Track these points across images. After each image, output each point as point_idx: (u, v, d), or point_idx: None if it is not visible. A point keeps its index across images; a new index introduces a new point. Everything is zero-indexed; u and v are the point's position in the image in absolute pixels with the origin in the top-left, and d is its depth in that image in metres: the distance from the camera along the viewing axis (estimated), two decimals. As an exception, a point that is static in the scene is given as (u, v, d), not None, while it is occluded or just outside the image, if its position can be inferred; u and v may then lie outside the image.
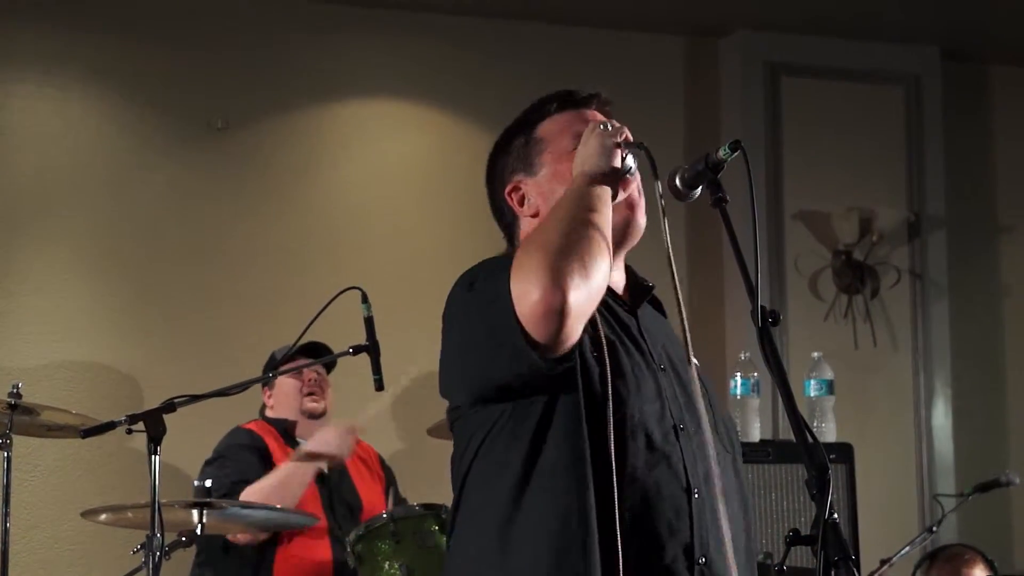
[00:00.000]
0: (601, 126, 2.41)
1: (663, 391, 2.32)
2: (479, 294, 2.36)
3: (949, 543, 5.46)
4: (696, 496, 2.26)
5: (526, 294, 2.17)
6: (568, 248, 2.19)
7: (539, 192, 2.50)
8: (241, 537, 4.54)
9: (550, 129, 2.52)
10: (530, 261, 2.19)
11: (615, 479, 2.20)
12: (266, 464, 4.71)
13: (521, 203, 2.55)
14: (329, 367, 4.98)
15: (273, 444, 4.81)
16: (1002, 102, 6.97)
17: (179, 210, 5.72)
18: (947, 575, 5.10)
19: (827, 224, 6.41)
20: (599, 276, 2.21)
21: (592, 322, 2.28)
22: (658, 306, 2.57)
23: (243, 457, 4.68)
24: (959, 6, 6.21)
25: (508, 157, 2.58)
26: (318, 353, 4.67)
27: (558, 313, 2.14)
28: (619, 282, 2.50)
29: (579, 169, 2.36)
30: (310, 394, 4.88)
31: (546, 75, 6.22)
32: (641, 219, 2.45)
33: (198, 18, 5.83)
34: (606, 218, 2.29)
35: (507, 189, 2.56)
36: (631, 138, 2.42)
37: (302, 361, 4.61)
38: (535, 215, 2.52)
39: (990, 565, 5.10)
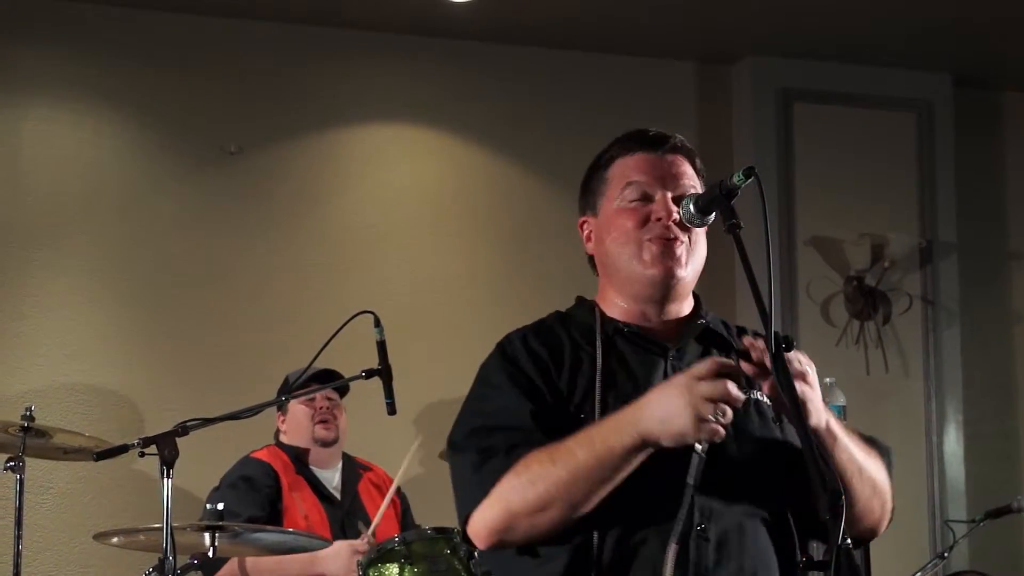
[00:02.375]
0: (700, 385, 2.10)
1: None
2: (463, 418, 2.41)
3: (961, 570, 5.45)
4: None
5: (472, 528, 2.30)
6: (531, 518, 2.23)
7: (596, 233, 2.50)
8: None
9: (618, 171, 2.46)
10: (489, 508, 2.26)
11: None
12: (272, 496, 4.70)
13: (588, 239, 2.54)
14: (342, 391, 4.98)
15: (283, 472, 4.81)
16: (1014, 129, 6.98)
17: (192, 234, 5.74)
18: None
19: (839, 250, 6.41)
20: (558, 527, 2.23)
21: (591, 380, 2.33)
22: (716, 340, 2.47)
23: (247, 497, 4.64)
24: (971, 33, 6.22)
25: (584, 190, 2.56)
26: (330, 380, 4.67)
27: (494, 545, 2.29)
28: (675, 316, 2.45)
29: (641, 418, 2.15)
30: (322, 421, 4.88)
31: (558, 101, 6.25)
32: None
33: (211, 44, 5.86)
34: (609, 478, 2.19)
35: (579, 222, 2.55)
36: (729, 416, 2.11)
37: (314, 387, 4.62)
38: (591, 255, 2.52)
39: None
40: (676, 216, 2.35)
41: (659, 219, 2.38)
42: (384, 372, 3.80)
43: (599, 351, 2.38)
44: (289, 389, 4.62)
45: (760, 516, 2.31)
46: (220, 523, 3.89)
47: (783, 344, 2.17)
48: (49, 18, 5.65)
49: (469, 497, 2.30)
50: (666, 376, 2.35)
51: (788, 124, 6.42)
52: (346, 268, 5.88)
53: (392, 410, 3.81)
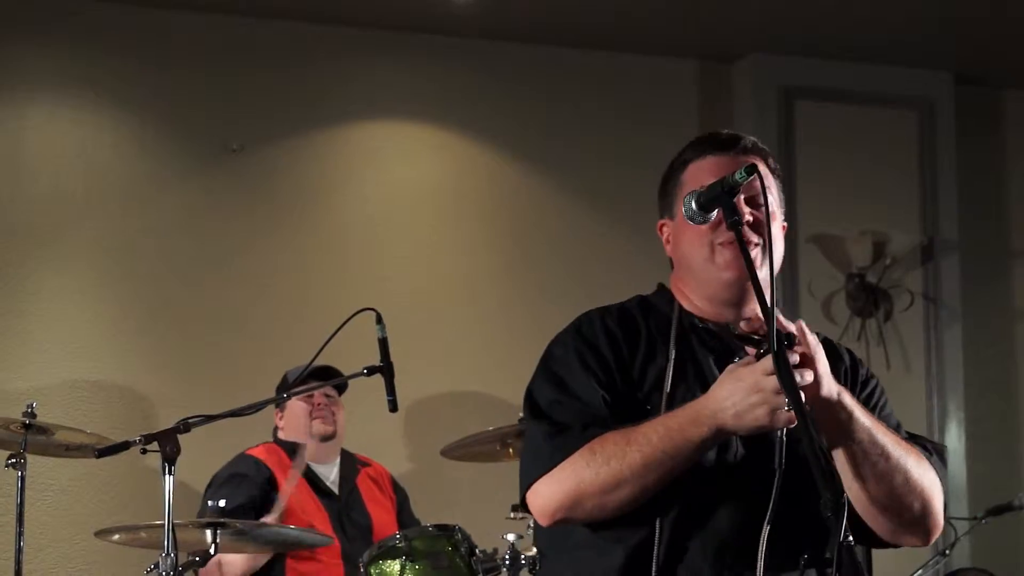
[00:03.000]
0: (770, 379, 2.17)
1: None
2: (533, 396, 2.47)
3: (965, 567, 5.46)
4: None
5: (539, 499, 2.37)
6: (601, 498, 2.31)
7: (673, 236, 2.54)
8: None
9: (692, 174, 2.49)
10: (558, 483, 2.33)
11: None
12: (265, 490, 4.70)
13: (667, 242, 2.57)
14: (341, 389, 4.99)
15: (278, 468, 4.82)
16: (1015, 126, 6.98)
17: (194, 231, 5.74)
18: None
19: (840, 247, 6.41)
20: (625, 508, 2.32)
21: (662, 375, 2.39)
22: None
23: (235, 491, 4.65)
24: (972, 31, 6.22)
25: (661, 193, 2.57)
26: (329, 377, 4.69)
27: (559, 521, 2.37)
28: (752, 316, 2.47)
29: (717, 411, 2.24)
30: (320, 416, 4.89)
31: (560, 99, 6.25)
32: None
33: (215, 41, 5.86)
34: (681, 466, 2.28)
35: (658, 225, 2.58)
36: (792, 419, 2.16)
37: (314, 383, 4.63)
38: (671, 257, 2.56)
39: None
40: (749, 218, 2.38)
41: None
42: (386, 369, 3.80)
43: (673, 345, 2.43)
44: (288, 386, 4.63)
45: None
46: (222, 520, 3.89)
47: (785, 342, 2.18)
48: (51, 15, 5.65)
49: (538, 464, 2.37)
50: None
51: (789, 122, 6.42)
52: (348, 265, 5.88)
53: (394, 407, 3.81)
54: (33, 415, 4.39)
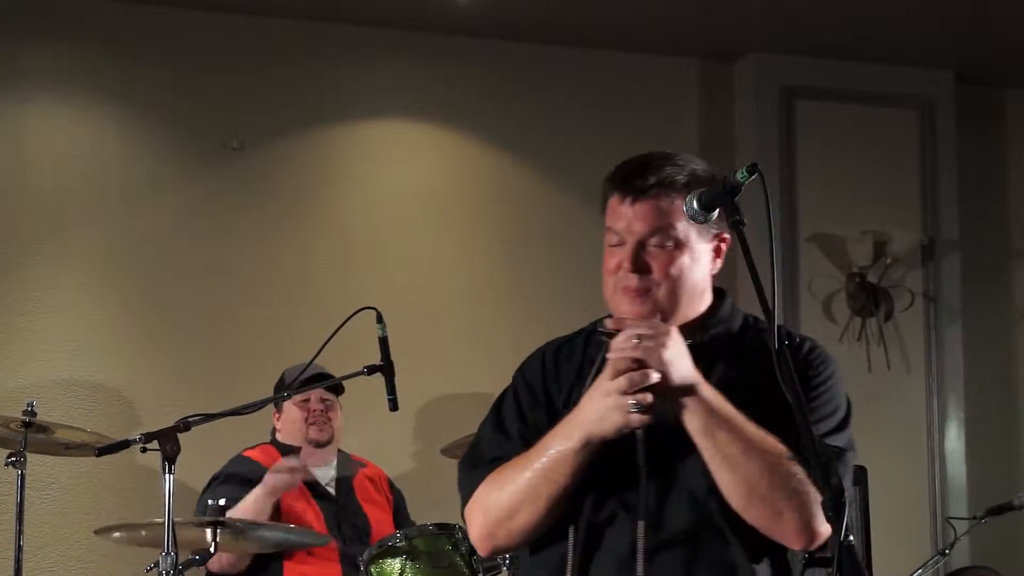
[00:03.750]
0: (612, 383, 2.29)
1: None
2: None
3: (969, 565, 5.47)
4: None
5: (470, 532, 2.49)
6: (506, 524, 2.41)
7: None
8: (223, 563, 4.53)
9: (608, 206, 2.49)
10: (473, 516, 2.47)
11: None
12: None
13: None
14: (339, 389, 4.97)
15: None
16: (1016, 126, 6.97)
17: (194, 230, 5.73)
18: None
19: (841, 247, 6.41)
20: (531, 529, 2.42)
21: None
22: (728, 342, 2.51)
23: (234, 493, 4.65)
24: (973, 30, 6.22)
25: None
26: (325, 379, 4.70)
27: (490, 552, 2.49)
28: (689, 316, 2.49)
29: (583, 421, 2.34)
30: (315, 423, 4.89)
31: (561, 98, 6.25)
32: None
33: (214, 40, 5.86)
34: (567, 481, 2.37)
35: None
36: (649, 400, 2.27)
37: (308, 387, 4.65)
38: None
39: None
40: (629, 271, 2.41)
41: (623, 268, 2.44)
42: (386, 368, 3.80)
43: (596, 369, 2.46)
44: (286, 387, 4.63)
45: (705, 487, 2.36)
46: (222, 519, 3.89)
47: (786, 340, 2.18)
48: (52, 13, 5.65)
49: (461, 498, 2.52)
50: None
51: (790, 121, 6.42)
52: (348, 264, 5.88)
53: (394, 406, 3.81)
54: (33, 413, 4.39)
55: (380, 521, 4.87)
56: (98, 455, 3.59)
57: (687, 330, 2.42)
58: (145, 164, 5.73)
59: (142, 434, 3.43)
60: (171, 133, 5.76)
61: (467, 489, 2.49)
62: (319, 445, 4.89)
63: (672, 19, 6.09)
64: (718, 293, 2.57)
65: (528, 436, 2.46)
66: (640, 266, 2.41)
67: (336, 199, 5.95)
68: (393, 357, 3.83)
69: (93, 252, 5.61)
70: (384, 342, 3.82)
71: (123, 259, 5.64)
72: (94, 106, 5.68)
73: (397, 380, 3.83)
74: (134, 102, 5.73)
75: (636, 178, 2.44)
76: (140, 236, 5.67)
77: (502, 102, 6.16)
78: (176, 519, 3.49)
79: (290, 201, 5.87)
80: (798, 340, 2.50)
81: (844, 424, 2.51)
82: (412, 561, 4.12)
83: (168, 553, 3.41)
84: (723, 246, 2.51)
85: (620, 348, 2.30)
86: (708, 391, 2.32)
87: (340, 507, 4.84)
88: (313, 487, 4.85)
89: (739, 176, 2.26)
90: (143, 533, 4.07)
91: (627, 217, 2.43)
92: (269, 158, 5.86)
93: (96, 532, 4.15)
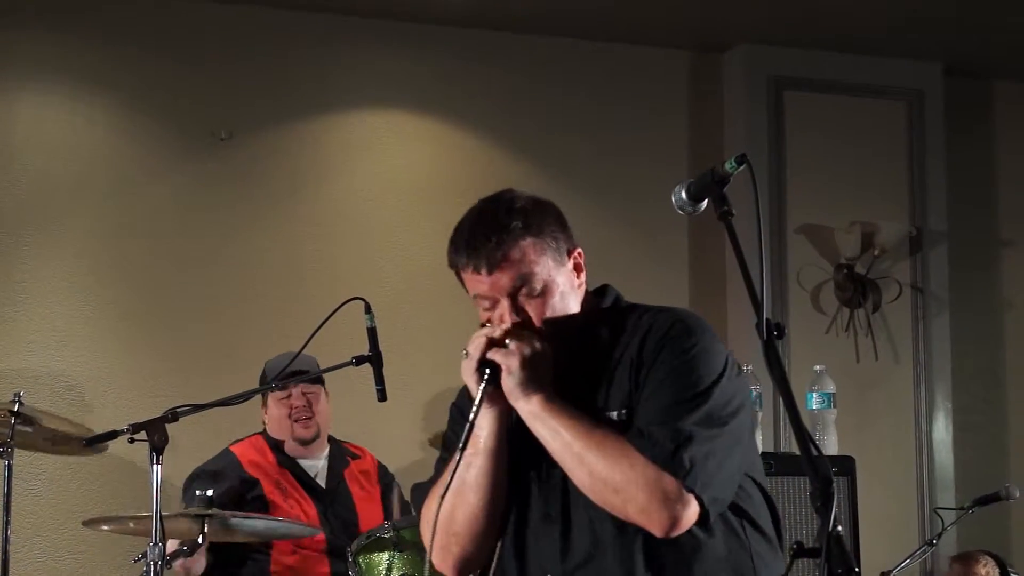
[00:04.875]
0: (463, 354, 2.51)
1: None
2: None
3: (972, 550, 5.51)
4: None
5: (430, 553, 2.54)
6: (449, 521, 2.51)
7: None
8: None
9: (462, 277, 2.64)
10: (425, 538, 2.53)
11: None
12: (246, 487, 4.70)
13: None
14: (319, 381, 4.95)
15: (262, 463, 4.81)
16: (1004, 117, 6.99)
17: (182, 220, 5.72)
18: (957, 571, 5.25)
19: (829, 238, 6.42)
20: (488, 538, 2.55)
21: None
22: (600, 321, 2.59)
23: (217, 487, 4.64)
24: (962, 22, 6.23)
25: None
26: (305, 374, 4.69)
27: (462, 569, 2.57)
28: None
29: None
30: (299, 419, 4.87)
31: (551, 89, 6.25)
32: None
33: (203, 29, 5.84)
34: (484, 461, 2.50)
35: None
36: (482, 356, 2.49)
37: (295, 380, 4.65)
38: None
39: (998, 559, 5.20)
40: (512, 318, 2.51)
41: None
42: (375, 359, 3.79)
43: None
44: (267, 381, 4.61)
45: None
46: (210, 511, 3.88)
47: (774, 332, 2.18)
48: (41, 3, 5.64)
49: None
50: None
51: (779, 112, 6.42)
52: (337, 255, 5.87)
53: (383, 397, 3.80)
54: (20, 403, 4.38)
55: (370, 515, 4.86)
56: (86, 445, 3.58)
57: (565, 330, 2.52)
58: (134, 154, 5.71)
59: (130, 424, 3.42)
60: (160, 123, 5.75)
61: (419, 504, 2.63)
62: (304, 443, 4.87)
63: (662, 10, 6.09)
64: (601, 290, 2.65)
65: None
66: (518, 314, 2.50)
67: (325, 189, 5.94)
68: (382, 347, 3.83)
69: (81, 242, 5.60)
70: (372, 332, 3.81)
71: (111, 249, 5.63)
72: (83, 96, 5.67)
73: (385, 370, 3.82)
74: (122, 92, 5.71)
75: (479, 245, 2.50)
76: (128, 226, 5.66)
77: (492, 93, 6.16)
78: (164, 512, 3.48)
79: (279, 191, 5.87)
80: (659, 319, 2.50)
81: (694, 401, 2.42)
82: (400, 552, 4.12)
83: (156, 544, 3.41)
84: (580, 260, 2.59)
85: (476, 340, 2.49)
86: (550, 401, 2.42)
87: (329, 499, 4.83)
88: (302, 480, 4.84)
89: (727, 167, 2.26)
90: (131, 524, 4.06)
91: (485, 283, 2.51)
92: (258, 148, 5.85)
93: (84, 523, 4.14)
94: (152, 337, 5.62)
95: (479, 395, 2.44)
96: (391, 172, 6.01)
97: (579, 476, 2.41)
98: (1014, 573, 5.28)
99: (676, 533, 2.36)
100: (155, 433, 3.40)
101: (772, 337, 2.17)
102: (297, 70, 5.92)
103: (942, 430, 6.47)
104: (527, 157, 6.17)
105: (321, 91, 5.95)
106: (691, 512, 2.34)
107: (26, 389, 4.56)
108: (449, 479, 2.43)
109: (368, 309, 3.78)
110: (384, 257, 5.93)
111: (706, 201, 2.33)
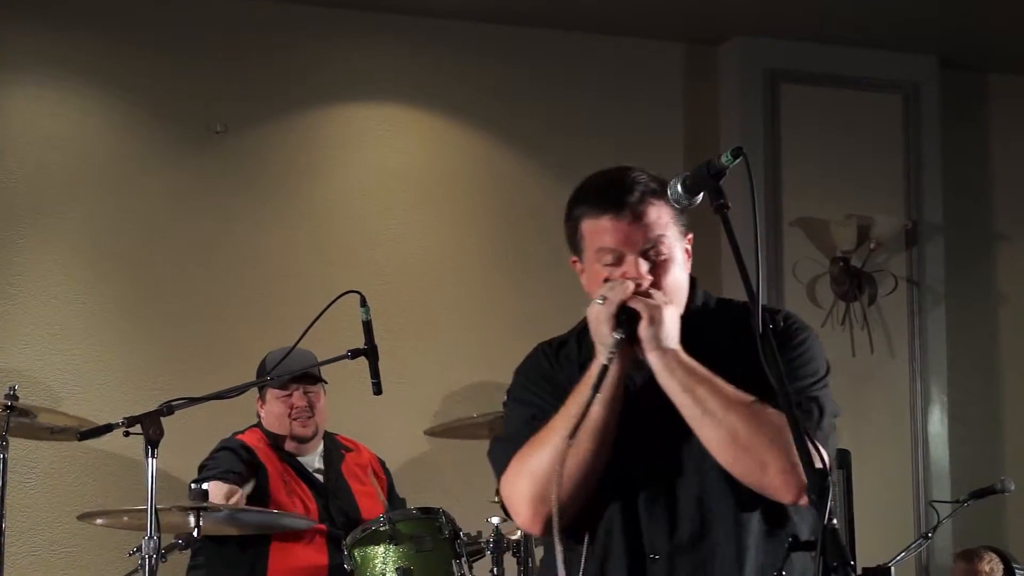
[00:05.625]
0: (598, 301, 2.44)
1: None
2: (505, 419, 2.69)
3: (978, 546, 5.54)
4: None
5: (515, 514, 2.54)
6: (546, 477, 2.41)
7: (584, 280, 2.60)
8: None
9: (587, 231, 2.53)
10: (517, 486, 2.50)
11: None
12: (254, 471, 4.70)
13: (582, 275, 2.62)
14: (321, 380, 4.95)
15: (265, 455, 4.81)
16: (999, 110, 6.98)
17: (177, 214, 5.72)
18: (961, 568, 5.25)
19: (825, 231, 6.42)
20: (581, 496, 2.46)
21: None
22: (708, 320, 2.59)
23: (229, 458, 4.67)
24: (957, 15, 6.22)
25: (566, 233, 2.60)
26: (308, 374, 4.69)
27: (544, 521, 2.45)
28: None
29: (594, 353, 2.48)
30: (298, 419, 4.87)
31: (546, 82, 6.24)
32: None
33: (198, 22, 5.83)
34: (600, 419, 2.43)
35: (571, 260, 2.64)
36: (620, 305, 2.42)
37: (292, 384, 4.70)
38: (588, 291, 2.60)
39: (1002, 556, 5.23)
40: (647, 275, 2.48)
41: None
42: (370, 352, 3.80)
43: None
44: (267, 373, 4.61)
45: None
46: (204, 504, 3.88)
47: (770, 324, 2.19)
48: (33, -4, 5.63)
49: (496, 472, 2.57)
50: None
51: (775, 105, 6.42)
52: (333, 248, 5.87)
53: (378, 390, 3.81)
54: (15, 397, 4.37)
55: (369, 507, 4.86)
56: (80, 439, 3.58)
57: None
58: (129, 147, 5.70)
59: (125, 418, 3.42)
60: (155, 116, 5.74)
61: (503, 458, 2.52)
62: (303, 440, 4.87)
63: (657, 3, 6.08)
64: (691, 283, 2.62)
65: (556, 404, 2.48)
66: (641, 276, 2.47)
67: (321, 182, 5.93)
68: (377, 341, 3.83)
69: (76, 235, 5.59)
70: (368, 326, 3.82)
71: (106, 243, 5.62)
72: (77, 89, 5.66)
73: (381, 364, 3.82)
74: (118, 85, 5.70)
75: (623, 194, 2.47)
76: (123, 219, 5.65)
77: (486, 86, 6.15)
78: (159, 504, 3.48)
79: (274, 184, 5.86)
80: (772, 313, 2.56)
81: (819, 381, 2.56)
82: (396, 545, 4.12)
83: (151, 537, 3.41)
84: (689, 246, 2.58)
85: (618, 287, 2.42)
86: (685, 356, 2.42)
87: (329, 492, 4.83)
88: (301, 472, 4.84)
89: (724, 160, 2.26)
90: (126, 518, 4.06)
91: (627, 231, 2.47)
92: (253, 141, 5.85)
93: (79, 517, 4.13)
94: (147, 330, 5.62)
95: (614, 340, 2.37)
96: (386, 165, 6.01)
97: (711, 434, 2.39)
98: (1019, 569, 5.28)
99: (804, 502, 2.35)
100: (150, 426, 3.40)
101: (767, 330, 2.17)
102: (292, 64, 5.91)
103: (937, 423, 6.47)
104: (522, 150, 6.16)
105: (316, 85, 5.94)
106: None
107: (21, 383, 4.55)
108: (577, 421, 2.36)
109: (364, 302, 3.78)
110: (379, 250, 5.92)
111: (702, 194, 2.33)
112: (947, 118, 6.66)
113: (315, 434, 4.90)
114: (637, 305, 2.41)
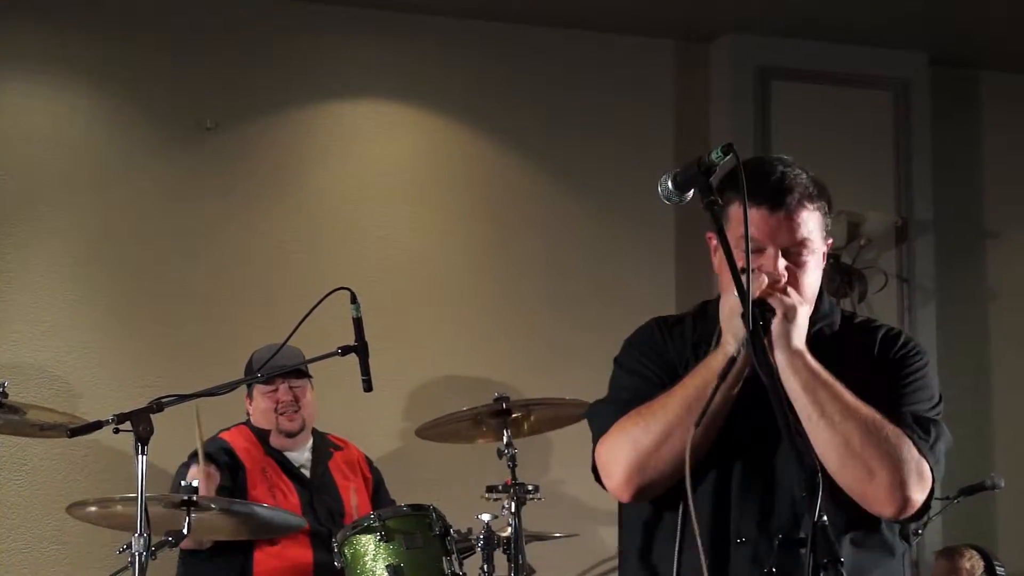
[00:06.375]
0: (737, 298, 2.37)
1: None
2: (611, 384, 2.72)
3: (958, 544, 5.54)
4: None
5: (606, 476, 2.57)
6: (658, 452, 2.47)
7: (716, 260, 2.59)
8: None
9: (736, 215, 2.48)
10: (616, 452, 2.53)
11: None
12: (232, 472, 4.70)
13: (714, 253, 2.61)
14: (306, 376, 4.95)
15: (251, 450, 4.81)
16: (989, 107, 6.99)
17: (167, 210, 5.71)
18: (942, 565, 5.26)
19: (815, 228, 6.41)
20: (673, 470, 2.47)
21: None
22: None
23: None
24: (947, 12, 6.23)
25: (710, 203, 2.50)
26: (295, 372, 4.70)
27: (632, 496, 2.54)
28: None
29: (724, 342, 2.50)
30: (284, 413, 4.87)
31: (537, 78, 6.24)
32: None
33: (188, 19, 5.82)
34: (716, 404, 2.43)
35: (707, 235, 2.63)
36: (761, 297, 2.44)
37: (278, 378, 4.71)
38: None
39: (983, 553, 5.23)
40: (783, 273, 2.52)
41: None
42: (360, 349, 3.79)
43: (714, 341, 2.55)
44: (255, 371, 4.60)
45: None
46: (194, 498, 3.88)
47: (760, 321, 2.19)
48: (23, -8, 5.62)
49: (596, 432, 2.61)
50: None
51: (765, 102, 6.42)
52: (323, 244, 5.86)
53: (368, 387, 3.81)
54: (5, 394, 4.36)
55: (355, 503, 4.86)
56: (70, 436, 3.57)
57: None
58: (118, 144, 5.69)
59: (114, 415, 3.41)
60: (145, 113, 5.73)
61: (606, 420, 2.55)
62: (289, 435, 4.88)
63: (648, 0, 6.08)
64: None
65: (665, 378, 2.55)
66: (779, 271, 2.50)
67: (311, 179, 5.92)
68: (368, 338, 3.82)
69: (65, 233, 5.58)
70: (358, 323, 3.81)
71: (95, 240, 5.61)
72: (67, 86, 5.65)
73: (372, 361, 3.82)
74: (107, 83, 5.69)
75: (784, 192, 2.51)
76: (113, 217, 5.64)
77: (477, 82, 6.15)
78: (148, 499, 3.48)
79: (265, 182, 5.85)
80: (893, 332, 2.64)
81: (935, 408, 2.59)
82: (386, 541, 4.12)
83: (141, 534, 3.40)
84: (827, 251, 2.63)
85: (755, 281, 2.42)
86: (811, 357, 2.45)
87: (315, 489, 4.83)
88: (288, 469, 4.84)
89: (714, 156, 2.27)
90: (118, 508, 4.05)
91: (776, 226, 2.51)
92: (244, 138, 5.84)
93: (69, 507, 4.12)
94: (137, 327, 5.61)
95: (752, 329, 2.30)
96: (377, 162, 6.00)
97: (825, 436, 2.40)
98: (999, 565, 5.29)
99: (905, 516, 2.43)
100: (140, 423, 3.40)
101: (758, 326, 2.18)
102: (283, 61, 5.91)
103: (927, 420, 6.47)
104: (512, 146, 6.16)
105: (307, 82, 5.94)
106: (919, 501, 2.43)
107: (10, 379, 4.54)
108: (704, 408, 2.37)
109: (354, 299, 3.78)
110: (370, 247, 5.92)
111: (692, 191, 2.34)
112: (937, 115, 6.67)
113: (302, 428, 4.90)
114: (774, 301, 2.44)
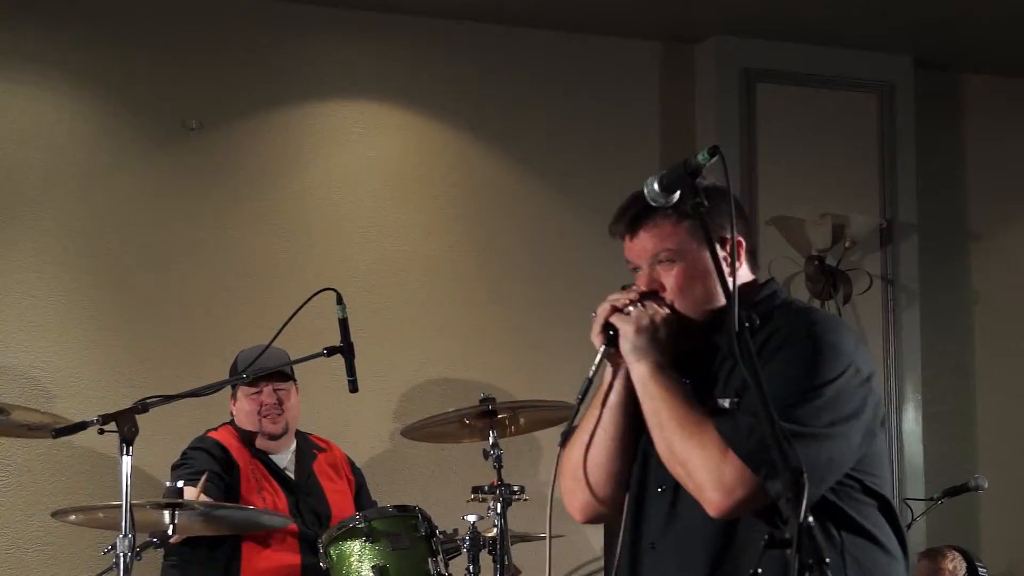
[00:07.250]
0: (593, 314, 2.67)
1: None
2: None
3: (941, 546, 5.55)
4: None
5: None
6: (596, 465, 2.74)
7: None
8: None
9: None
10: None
11: None
12: (228, 470, 4.70)
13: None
14: (291, 378, 4.94)
15: (238, 452, 4.81)
16: (974, 110, 7.02)
17: (152, 211, 5.70)
18: (924, 566, 5.26)
19: (800, 230, 6.44)
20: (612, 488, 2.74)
21: None
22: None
23: (204, 458, 4.67)
24: (932, 15, 6.25)
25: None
26: (280, 375, 4.69)
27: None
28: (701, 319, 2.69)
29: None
30: (267, 415, 4.87)
31: (522, 80, 6.24)
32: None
33: (173, 19, 5.81)
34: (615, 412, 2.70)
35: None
36: (605, 319, 2.64)
37: (262, 382, 4.72)
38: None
39: (965, 554, 5.24)
40: (645, 286, 2.66)
41: None
42: (346, 350, 3.79)
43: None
44: (239, 372, 4.60)
45: None
46: (179, 500, 3.87)
47: (746, 323, 2.19)
48: (7, -9, 5.60)
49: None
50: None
51: (751, 104, 6.43)
52: (308, 245, 5.86)
53: (354, 388, 3.81)
54: (-11, 395, 4.36)
55: (341, 506, 4.86)
56: (55, 436, 3.57)
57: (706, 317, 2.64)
58: (103, 144, 5.68)
59: (99, 415, 3.41)
60: (129, 113, 5.72)
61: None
62: (273, 437, 4.87)
63: (634, 2, 6.09)
64: (765, 283, 2.74)
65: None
66: (652, 283, 2.65)
67: (297, 180, 5.92)
68: (353, 338, 3.82)
69: (50, 233, 5.57)
70: (344, 323, 3.81)
71: (80, 240, 5.60)
72: (51, 86, 5.63)
73: (358, 362, 3.82)
74: (92, 82, 5.68)
75: (626, 220, 2.67)
76: (97, 217, 5.63)
77: (463, 83, 6.15)
78: (134, 501, 3.47)
79: (250, 182, 5.84)
80: (801, 317, 2.65)
81: (796, 395, 2.50)
82: (372, 543, 4.12)
83: (126, 535, 3.40)
84: (740, 249, 2.66)
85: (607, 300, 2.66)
86: (656, 368, 2.57)
87: (300, 491, 4.83)
88: (273, 471, 4.84)
89: (700, 158, 2.27)
90: (100, 515, 4.04)
91: (633, 250, 2.68)
92: (228, 138, 5.83)
93: (53, 514, 4.11)
94: (122, 328, 5.60)
95: (599, 355, 2.61)
96: (362, 163, 6.00)
97: (658, 444, 2.57)
98: (981, 567, 5.31)
99: (730, 516, 2.48)
100: (125, 424, 3.39)
101: (744, 328, 2.18)
102: (268, 60, 5.90)
103: (911, 421, 6.50)
104: (497, 148, 6.16)
105: (292, 82, 5.93)
106: (752, 500, 2.44)
107: (-5, 380, 4.54)
108: (567, 427, 2.65)
109: (339, 300, 3.78)
110: (355, 248, 5.91)
111: (678, 193, 2.34)
112: (922, 118, 6.69)
113: (285, 431, 4.90)
114: (615, 320, 2.60)
